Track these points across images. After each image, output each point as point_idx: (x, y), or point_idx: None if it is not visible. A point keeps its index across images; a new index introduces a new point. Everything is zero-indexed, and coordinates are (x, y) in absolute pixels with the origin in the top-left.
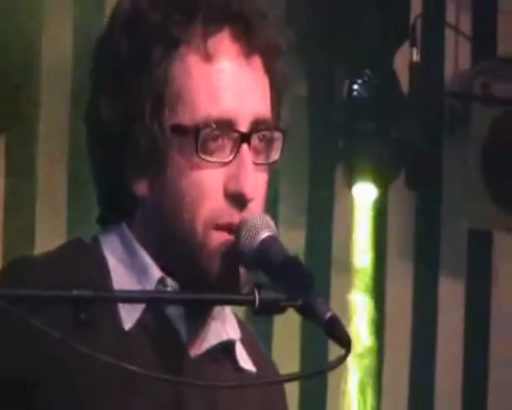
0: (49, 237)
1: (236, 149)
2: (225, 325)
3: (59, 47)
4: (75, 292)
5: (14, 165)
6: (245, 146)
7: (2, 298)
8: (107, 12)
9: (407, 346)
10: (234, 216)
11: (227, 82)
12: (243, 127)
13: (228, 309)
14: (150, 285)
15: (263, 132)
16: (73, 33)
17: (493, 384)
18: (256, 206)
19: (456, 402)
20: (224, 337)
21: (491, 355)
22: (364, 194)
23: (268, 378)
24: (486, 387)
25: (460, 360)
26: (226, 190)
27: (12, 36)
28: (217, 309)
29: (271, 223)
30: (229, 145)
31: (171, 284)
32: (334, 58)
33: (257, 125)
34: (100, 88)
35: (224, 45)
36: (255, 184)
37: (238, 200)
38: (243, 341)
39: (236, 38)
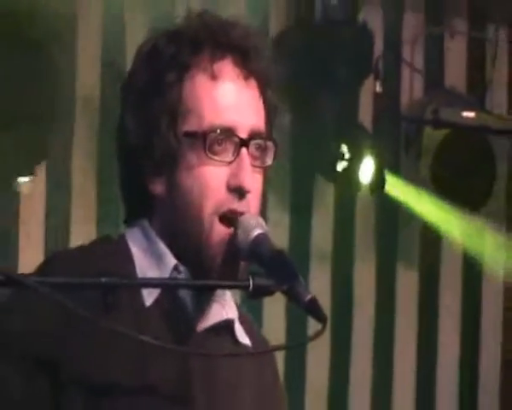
0: (81, 235)
1: (237, 152)
2: (225, 307)
3: (89, 80)
4: (103, 279)
5: (54, 178)
6: (244, 149)
7: (45, 285)
8: (128, 50)
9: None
10: (235, 204)
11: (229, 98)
12: (242, 134)
13: (228, 294)
14: (166, 271)
15: (258, 141)
16: (101, 70)
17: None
18: (253, 199)
19: (411, 383)
20: (224, 317)
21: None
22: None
23: (260, 349)
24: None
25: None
26: (228, 185)
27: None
28: (218, 294)
29: (263, 223)
30: (231, 148)
31: (183, 270)
32: (315, 92)
33: (253, 135)
34: (126, 106)
35: (227, 69)
36: (252, 180)
37: (238, 192)
38: (241, 320)
39: (237, 63)
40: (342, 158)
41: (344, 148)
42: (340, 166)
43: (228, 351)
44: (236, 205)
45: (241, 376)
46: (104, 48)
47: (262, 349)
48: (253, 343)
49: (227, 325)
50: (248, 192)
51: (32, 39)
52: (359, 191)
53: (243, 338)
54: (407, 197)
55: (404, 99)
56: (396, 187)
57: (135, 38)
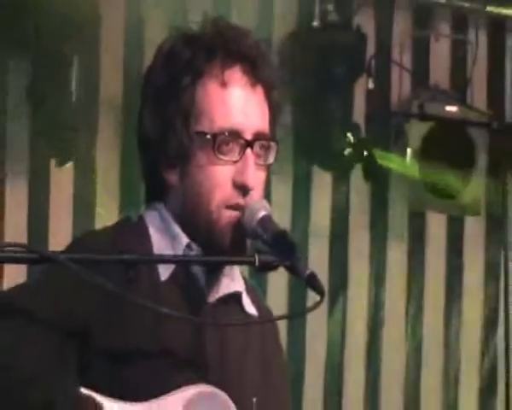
0: (104, 217)
1: (242, 152)
2: (234, 281)
3: (112, 79)
4: (125, 256)
5: (81, 167)
6: (249, 150)
7: (74, 261)
8: (147, 53)
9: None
10: (239, 200)
11: (237, 103)
12: (248, 136)
13: (236, 269)
14: (180, 249)
15: (262, 142)
16: (123, 69)
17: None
18: (256, 195)
19: (402, 350)
20: (233, 289)
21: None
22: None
23: (265, 318)
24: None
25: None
26: (234, 182)
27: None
28: (228, 269)
29: (267, 206)
30: (237, 149)
31: (195, 248)
32: (314, 89)
33: (258, 136)
34: (144, 104)
35: (236, 76)
36: (255, 178)
37: (242, 189)
38: (248, 292)
39: (245, 72)
40: (340, 148)
41: (341, 139)
42: (338, 155)
43: (236, 320)
44: (241, 200)
45: (248, 343)
46: (126, 47)
47: (267, 318)
48: (258, 313)
49: (235, 297)
50: (252, 190)
51: (57, 40)
52: (355, 178)
53: (250, 308)
54: (396, 180)
55: (394, 95)
56: (386, 172)
57: (154, 37)
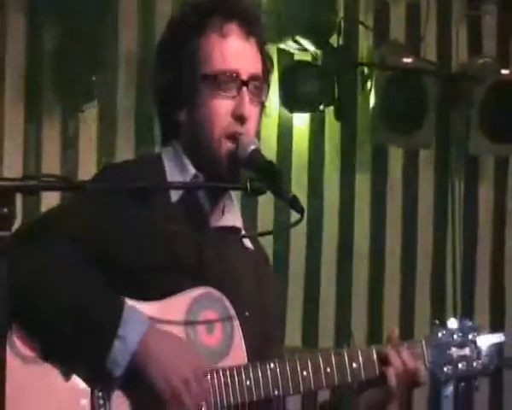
0: (124, 154)
1: (239, 90)
2: (234, 218)
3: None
4: (144, 183)
5: (104, 113)
6: (244, 88)
7: (99, 190)
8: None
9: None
10: (238, 128)
11: (234, 50)
12: (244, 77)
13: (237, 207)
14: (188, 177)
15: (256, 82)
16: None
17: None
18: (250, 125)
19: (366, 255)
20: (231, 223)
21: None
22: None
23: (251, 233)
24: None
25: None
26: (233, 113)
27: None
28: (231, 207)
29: (257, 142)
30: (234, 87)
31: (201, 177)
32: None
33: (252, 77)
34: (158, 61)
35: (234, 29)
36: (250, 111)
37: (240, 119)
38: (246, 231)
39: (241, 26)
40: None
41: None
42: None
43: (234, 248)
44: (239, 128)
45: (243, 265)
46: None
47: (252, 233)
48: (254, 247)
49: (234, 230)
50: (247, 119)
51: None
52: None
53: (247, 243)
54: (361, 123)
55: (361, 49)
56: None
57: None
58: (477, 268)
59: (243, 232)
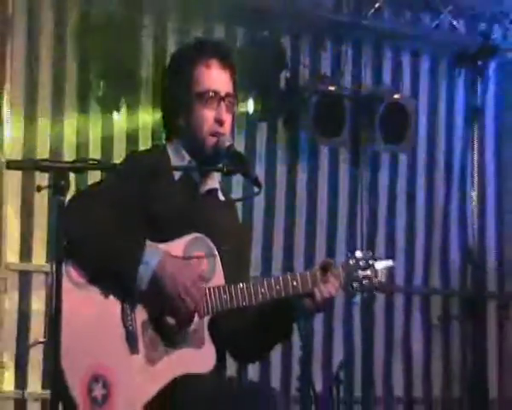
0: (142, 144)
1: (219, 103)
2: (214, 181)
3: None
4: (153, 167)
5: (131, 115)
6: (222, 102)
7: (128, 170)
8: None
9: None
10: (219, 128)
11: (215, 77)
12: (222, 94)
13: (215, 176)
14: (185, 162)
15: (230, 98)
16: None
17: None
18: (227, 127)
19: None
20: (212, 186)
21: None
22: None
23: (229, 198)
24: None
25: None
26: (215, 119)
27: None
28: (211, 177)
29: (231, 139)
30: (216, 101)
31: (193, 162)
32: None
33: (227, 95)
34: (164, 83)
35: (215, 63)
36: (226, 117)
37: (219, 122)
38: (221, 189)
39: (219, 61)
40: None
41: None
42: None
43: (213, 202)
44: (219, 129)
45: (221, 216)
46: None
47: (232, 202)
48: (225, 199)
49: (215, 190)
50: (224, 122)
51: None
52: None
53: (221, 197)
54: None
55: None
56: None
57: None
58: (378, 225)
59: (219, 192)
